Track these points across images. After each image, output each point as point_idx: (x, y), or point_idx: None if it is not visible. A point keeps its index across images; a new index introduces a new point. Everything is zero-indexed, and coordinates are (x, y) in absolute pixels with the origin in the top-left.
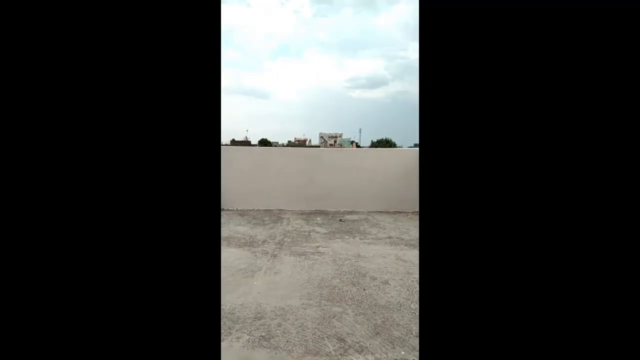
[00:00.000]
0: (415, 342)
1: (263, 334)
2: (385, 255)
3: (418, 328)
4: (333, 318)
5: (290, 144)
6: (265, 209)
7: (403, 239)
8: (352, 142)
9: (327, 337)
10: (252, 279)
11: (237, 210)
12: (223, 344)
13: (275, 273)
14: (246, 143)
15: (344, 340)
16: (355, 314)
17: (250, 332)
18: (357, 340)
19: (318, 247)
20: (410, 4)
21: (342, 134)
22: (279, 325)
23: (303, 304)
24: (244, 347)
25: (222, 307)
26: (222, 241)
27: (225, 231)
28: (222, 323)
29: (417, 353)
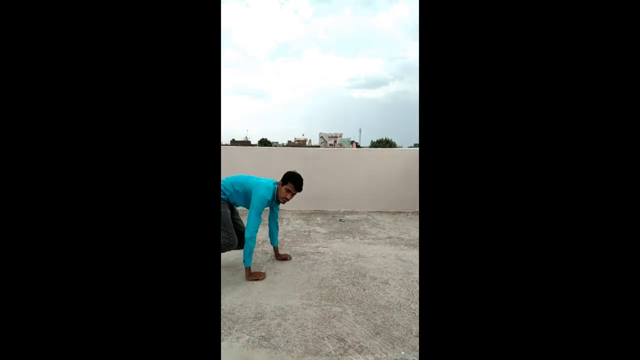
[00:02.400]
0: (415, 342)
1: (263, 334)
2: (385, 255)
3: (418, 328)
4: (333, 318)
5: (290, 144)
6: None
7: (403, 239)
8: (352, 142)
9: (327, 337)
10: None
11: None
12: (223, 344)
13: (275, 273)
14: (246, 143)
15: (344, 340)
16: (355, 314)
17: (250, 332)
18: (357, 340)
19: (318, 247)
20: (410, 3)
21: (342, 134)
22: (279, 325)
23: (303, 303)
24: (243, 347)
25: (222, 307)
26: None
27: None
28: (222, 323)
29: (417, 353)
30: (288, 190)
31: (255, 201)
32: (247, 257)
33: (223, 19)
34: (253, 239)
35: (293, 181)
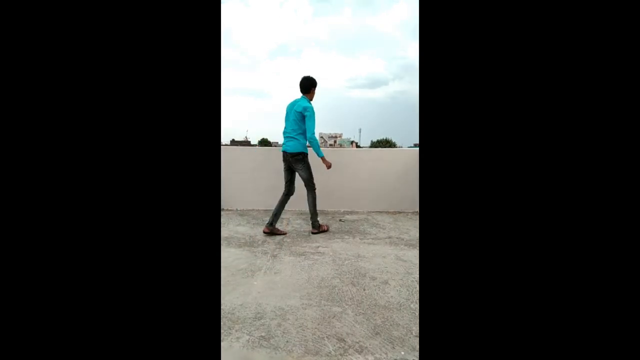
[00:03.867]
0: (415, 342)
1: (263, 334)
2: (385, 255)
3: (418, 328)
4: (333, 318)
5: None
6: (265, 209)
7: (403, 239)
8: (352, 142)
9: (327, 337)
10: (252, 279)
11: (237, 210)
12: (223, 344)
13: (275, 273)
14: (246, 143)
15: (343, 340)
16: (355, 314)
17: (250, 332)
18: (357, 340)
19: (318, 247)
20: (410, 3)
21: (341, 134)
22: (279, 325)
23: (303, 304)
24: (243, 347)
25: (222, 307)
26: (222, 241)
27: (225, 231)
28: (222, 323)
29: (417, 353)
30: (314, 92)
31: (310, 115)
32: (317, 149)
33: (223, 19)
34: (313, 135)
35: (311, 85)
